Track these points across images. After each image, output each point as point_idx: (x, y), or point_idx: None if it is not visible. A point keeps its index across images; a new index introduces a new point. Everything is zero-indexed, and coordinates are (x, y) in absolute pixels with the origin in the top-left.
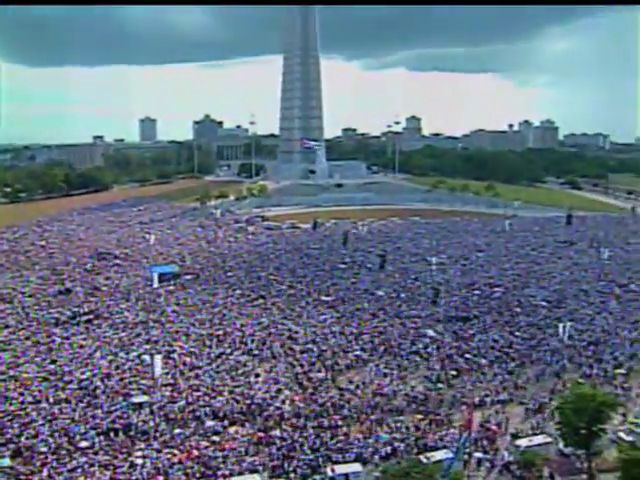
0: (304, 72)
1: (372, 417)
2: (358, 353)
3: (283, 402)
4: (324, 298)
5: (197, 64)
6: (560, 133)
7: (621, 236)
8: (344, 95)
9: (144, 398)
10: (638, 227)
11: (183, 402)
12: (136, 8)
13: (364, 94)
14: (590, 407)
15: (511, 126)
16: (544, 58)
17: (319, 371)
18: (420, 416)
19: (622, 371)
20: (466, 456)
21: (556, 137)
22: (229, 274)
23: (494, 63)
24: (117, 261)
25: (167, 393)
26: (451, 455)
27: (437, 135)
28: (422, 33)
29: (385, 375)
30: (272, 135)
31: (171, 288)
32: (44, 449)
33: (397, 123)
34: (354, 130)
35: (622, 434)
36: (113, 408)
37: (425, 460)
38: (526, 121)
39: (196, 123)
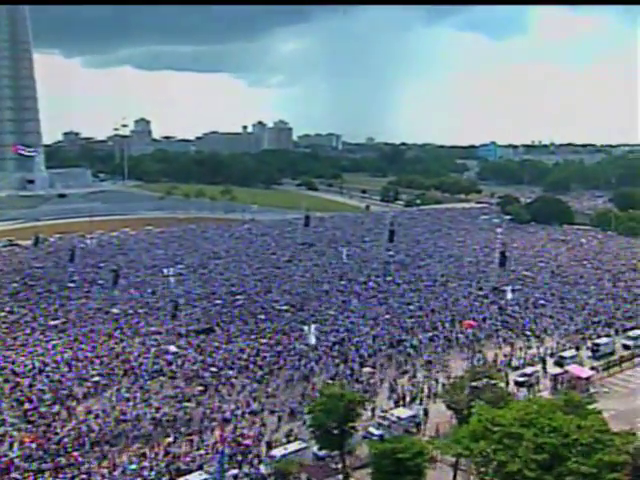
0: (14, 69)
1: (116, 447)
2: (96, 379)
3: (11, 446)
4: (52, 322)
5: None
6: (294, 134)
7: (358, 235)
8: (64, 95)
9: None
10: (373, 225)
11: None
12: None
13: (87, 94)
14: (340, 407)
15: (245, 127)
16: (275, 58)
17: (52, 404)
18: (169, 439)
19: (368, 369)
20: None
21: (290, 138)
22: None
23: (226, 62)
24: None
25: None
26: (207, 476)
27: (169, 138)
28: (148, 30)
29: (127, 399)
30: None
31: None
32: None
33: (125, 126)
34: (77, 134)
35: (372, 429)
36: None
37: None
38: (260, 122)
39: None
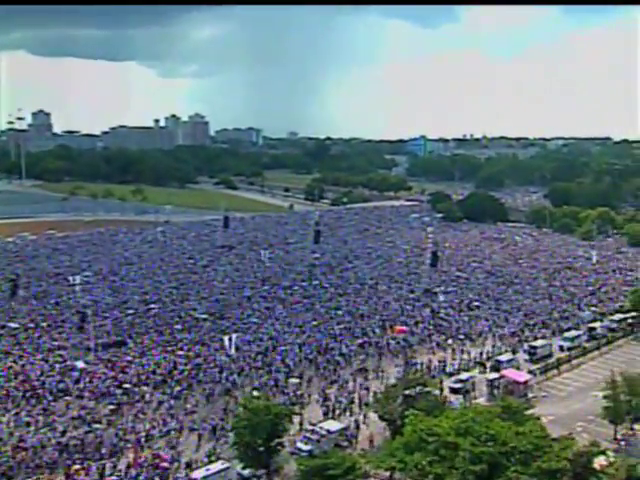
0: None
1: None
2: None
3: None
4: None
5: None
6: (211, 128)
7: (281, 236)
8: None
9: None
10: (297, 226)
11: None
12: None
13: None
14: (265, 421)
15: (157, 121)
16: (189, 45)
17: None
18: (77, 466)
19: (295, 380)
20: None
21: (207, 133)
22: None
23: (135, 49)
24: None
25: None
26: None
27: (72, 133)
28: (46, 10)
29: (28, 424)
30: None
31: None
32: None
33: (21, 119)
34: None
35: (300, 444)
36: None
37: None
38: (173, 115)
39: None
